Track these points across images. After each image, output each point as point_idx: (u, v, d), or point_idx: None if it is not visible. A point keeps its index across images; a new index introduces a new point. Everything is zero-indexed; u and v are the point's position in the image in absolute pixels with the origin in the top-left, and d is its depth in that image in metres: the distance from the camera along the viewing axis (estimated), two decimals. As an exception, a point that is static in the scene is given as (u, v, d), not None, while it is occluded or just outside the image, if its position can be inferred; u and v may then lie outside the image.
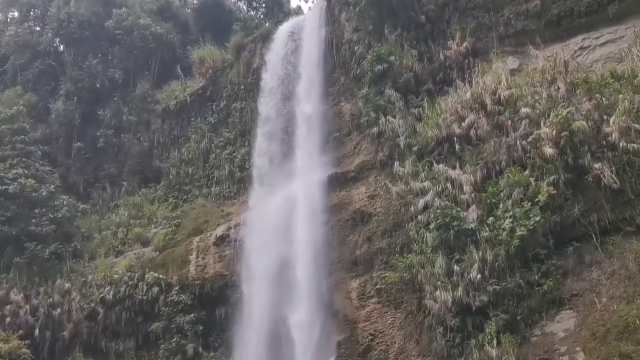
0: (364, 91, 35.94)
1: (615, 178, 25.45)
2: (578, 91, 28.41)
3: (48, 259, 40.19)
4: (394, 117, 33.93)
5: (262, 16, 60.15)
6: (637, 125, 25.90)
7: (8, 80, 55.25)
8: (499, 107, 30.42)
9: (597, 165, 25.84)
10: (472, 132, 30.74)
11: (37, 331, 37.35)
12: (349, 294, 33.34)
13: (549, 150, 26.96)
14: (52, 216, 41.39)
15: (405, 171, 31.99)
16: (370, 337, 31.81)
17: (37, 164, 44.40)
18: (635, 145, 25.53)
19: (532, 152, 28.10)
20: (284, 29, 43.64)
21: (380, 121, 34.20)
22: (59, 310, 38.16)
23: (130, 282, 38.20)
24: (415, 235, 30.58)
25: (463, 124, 31.14)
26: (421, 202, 30.55)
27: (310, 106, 38.57)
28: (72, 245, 41.71)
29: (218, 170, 43.58)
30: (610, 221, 25.99)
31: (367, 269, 33.09)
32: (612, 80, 28.09)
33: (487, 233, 27.65)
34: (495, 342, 25.97)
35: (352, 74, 38.54)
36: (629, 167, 25.62)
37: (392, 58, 35.24)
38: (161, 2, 56.44)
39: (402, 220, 32.14)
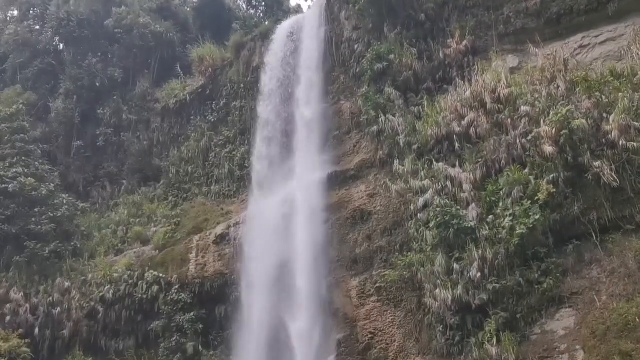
0: (364, 90, 35.90)
1: (615, 176, 25.46)
2: (578, 89, 28.39)
3: (48, 258, 40.23)
4: (394, 115, 33.91)
5: (261, 15, 60.21)
6: (636, 124, 25.92)
7: (8, 79, 55.30)
8: (499, 105, 30.44)
9: (596, 164, 25.85)
10: (472, 130, 30.75)
11: (37, 330, 37.43)
12: (348, 293, 33.35)
13: (548, 149, 26.97)
14: (52, 215, 41.44)
15: (405, 170, 31.99)
16: (370, 336, 31.83)
17: (36, 163, 44.45)
18: (634, 144, 25.55)
19: (531, 150, 28.11)
20: (283, 28, 43.58)
21: (380, 120, 34.18)
22: (58, 309, 38.21)
23: (130, 281, 38.24)
24: (415, 234, 30.59)
25: (463, 123, 31.15)
26: (421, 201, 30.56)
27: (309, 108, 38.44)
28: (72, 244, 41.74)
29: (218, 169, 43.56)
30: (610, 219, 26.02)
31: (367, 268, 33.10)
32: (612, 78, 28.11)
33: (486, 231, 27.66)
34: (495, 340, 25.99)
35: (352, 72, 38.50)
36: (629, 165, 25.63)
37: (391, 56, 35.24)
38: (161, 0, 56.31)
39: (402, 218, 32.16)
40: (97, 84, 51.37)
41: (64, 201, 43.33)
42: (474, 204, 28.87)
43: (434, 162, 31.33)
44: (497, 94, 30.70)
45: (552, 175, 26.80)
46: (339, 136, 37.86)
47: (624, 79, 27.91)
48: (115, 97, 50.37)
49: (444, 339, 28.15)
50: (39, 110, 51.70)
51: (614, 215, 25.93)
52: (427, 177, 31.10)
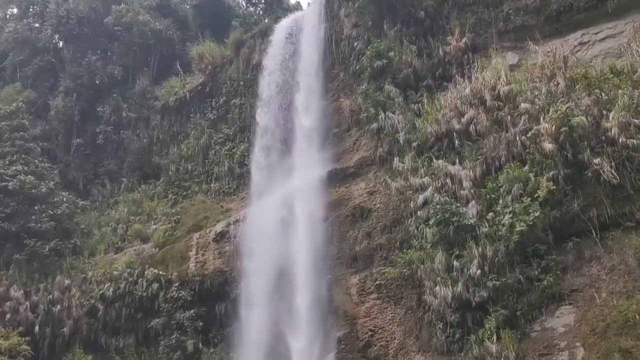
0: (364, 87, 35.92)
1: (614, 173, 25.49)
2: (577, 86, 28.41)
3: (48, 256, 40.24)
4: (394, 112, 33.91)
5: (261, 12, 60.09)
6: (636, 121, 25.92)
7: (7, 76, 55.39)
8: (499, 102, 30.44)
9: (596, 161, 25.86)
10: (472, 127, 30.77)
11: (37, 328, 37.45)
12: (348, 290, 33.36)
13: (548, 146, 26.97)
14: (51, 213, 41.45)
15: (405, 167, 31.98)
16: (370, 333, 31.84)
17: (36, 161, 44.47)
18: (634, 141, 25.57)
19: (531, 147, 28.12)
20: (282, 27, 43.47)
21: (380, 117, 34.19)
22: (58, 306, 38.23)
23: (130, 279, 38.24)
24: (415, 231, 30.60)
25: (462, 120, 31.16)
26: (421, 198, 30.56)
27: (309, 116, 38.39)
28: (72, 241, 41.75)
29: (217, 167, 43.52)
30: (610, 216, 26.05)
31: (366, 265, 33.11)
32: (612, 75, 28.08)
33: (486, 229, 27.67)
34: (495, 337, 26.02)
35: (352, 70, 38.50)
36: (629, 162, 25.65)
37: (391, 54, 35.26)
38: (160, -2, 56.39)
39: (401, 216, 32.18)
40: (97, 82, 51.41)
41: (64, 199, 43.33)
42: (473, 201, 28.89)
43: (434, 160, 31.33)
44: (496, 91, 30.69)
45: (551, 173, 26.83)
46: (339, 134, 37.84)
47: (624, 76, 27.90)
48: (114, 95, 50.39)
49: (444, 336, 28.19)
50: (38, 108, 51.73)
51: (614, 213, 25.97)
52: (427, 174, 31.10)
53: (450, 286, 27.56)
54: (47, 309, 38.08)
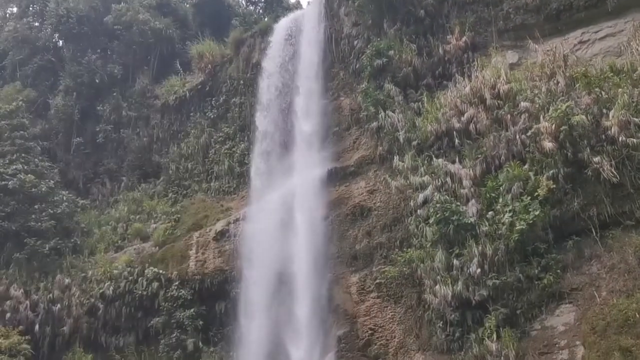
0: (363, 86, 35.92)
1: (614, 172, 25.47)
2: (577, 85, 28.40)
3: (48, 255, 40.25)
4: (394, 111, 33.91)
5: (261, 11, 60.07)
6: (636, 119, 25.91)
7: (7, 75, 55.41)
8: (498, 101, 30.45)
9: (596, 159, 25.85)
10: (472, 126, 30.77)
11: (37, 327, 37.46)
12: (348, 289, 33.35)
13: (548, 145, 26.97)
14: (51, 212, 41.47)
15: (405, 166, 31.97)
16: (370, 332, 31.82)
17: (36, 160, 44.47)
18: (634, 140, 25.55)
19: (531, 146, 28.11)
20: (281, 27, 43.42)
21: (380, 116, 34.17)
22: (59, 305, 38.24)
23: (130, 278, 38.24)
24: (415, 230, 30.60)
25: (462, 119, 31.16)
26: (421, 197, 30.56)
27: (309, 122, 38.28)
28: (72, 240, 41.76)
29: (217, 165, 43.50)
30: (610, 215, 26.03)
31: (366, 264, 33.11)
32: (612, 74, 28.07)
33: (486, 227, 27.67)
34: (495, 336, 26.03)
35: (352, 68, 38.50)
36: (629, 161, 25.63)
37: (391, 52, 35.26)
38: (160, -3, 56.39)
39: (401, 214, 32.18)
40: (97, 81, 51.43)
41: (64, 198, 43.35)
42: (473, 200, 28.90)
43: (434, 158, 31.34)
44: (496, 90, 30.70)
45: (551, 171, 26.83)
46: (339, 132, 37.83)
47: (624, 75, 27.89)
48: (114, 94, 50.38)
49: (444, 335, 28.18)
50: (38, 107, 51.75)
51: (614, 211, 25.95)
52: (427, 173, 31.10)
53: (450, 285, 27.56)
54: (47, 307, 38.10)
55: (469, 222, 28.10)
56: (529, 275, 26.48)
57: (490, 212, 28.02)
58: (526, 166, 27.94)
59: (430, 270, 28.67)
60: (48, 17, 54.58)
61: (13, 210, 40.79)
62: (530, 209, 26.50)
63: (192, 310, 36.62)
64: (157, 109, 49.48)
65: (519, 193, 27.39)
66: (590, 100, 27.27)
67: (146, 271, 38.17)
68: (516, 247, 26.73)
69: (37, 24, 57.51)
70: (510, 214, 27.04)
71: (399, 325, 30.98)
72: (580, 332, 24.43)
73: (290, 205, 35.87)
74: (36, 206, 41.31)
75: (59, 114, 50.78)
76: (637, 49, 28.48)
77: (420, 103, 33.82)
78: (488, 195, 28.49)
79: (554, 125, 26.86)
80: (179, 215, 41.79)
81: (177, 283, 37.43)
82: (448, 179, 30.22)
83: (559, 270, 26.22)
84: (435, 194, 29.83)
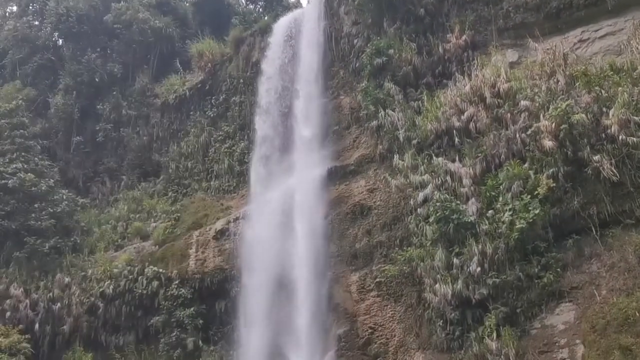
0: (363, 84, 35.89)
1: (614, 171, 25.45)
2: (577, 84, 28.38)
3: (48, 254, 40.20)
4: (393, 110, 33.90)
5: (261, 10, 59.97)
6: (636, 118, 25.89)
7: (7, 74, 55.30)
8: (498, 100, 30.44)
9: (596, 158, 25.84)
10: (472, 125, 30.76)
11: (37, 325, 37.41)
12: (348, 288, 33.34)
13: (548, 143, 26.96)
14: (51, 210, 41.41)
15: (405, 164, 31.96)
16: (370, 331, 31.81)
17: (36, 159, 44.39)
18: (634, 138, 25.52)
19: (531, 145, 28.11)
20: (280, 26, 43.31)
21: (380, 114, 34.15)
22: (59, 304, 38.20)
23: (130, 276, 38.22)
24: (415, 229, 30.60)
25: (462, 117, 31.15)
26: (421, 195, 30.56)
27: (309, 127, 38.09)
28: (72, 239, 41.70)
29: (217, 164, 43.44)
30: (610, 214, 26.02)
31: (366, 263, 33.09)
32: (612, 72, 28.05)
33: (486, 226, 27.68)
34: (495, 335, 26.04)
35: (351, 67, 38.47)
36: (629, 159, 25.61)
37: (391, 51, 35.23)
38: (160, -5, 56.35)
39: (401, 213, 32.17)
40: (97, 80, 51.37)
41: (64, 197, 43.28)
42: (473, 199, 28.90)
43: (434, 157, 31.33)
44: (496, 89, 30.69)
45: (551, 170, 26.81)
46: (339, 131, 37.80)
47: (624, 73, 27.87)
48: (114, 93, 50.32)
49: (444, 334, 28.18)
50: (38, 105, 51.69)
51: (614, 210, 25.92)
52: (427, 171, 31.10)
53: (450, 284, 27.55)
54: (47, 306, 38.05)
55: (469, 220, 28.10)
56: (529, 273, 26.46)
57: (490, 211, 28.03)
58: (526, 165, 27.94)
59: (430, 269, 28.66)
60: (48, 15, 54.51)
61: (13, 209, 40.74)
62: (530, 208, 26.49)
63: (192, 309, 36.59)
64: (157, 107, 49.44)
65: (519, 192, 27.39)
66: (590, 98, 27.26)
67: (146, 270, 38.15)
68: (516, 246, 26.73)
69: (36, 22, 57.36)
70: (510, 213, 27.04)
71: (399, 324, 30.96)
72: (580, 330, 24.44)
73: (290, 204, 35.83)
74: (36, 205, 41.25)
75: (58, 112, 50.73)
76: (637, 48, 28.46)
77: (420, 102, 33.79)
78: (488, 193, 28.49)
79: (554, 124, 26.85)
80: (179, 214, 41.78)
81: (177, 282, 37.41)
82: (448, 178, 30.21)
83: (559, 269, 26.21)
84: (435, 192, 29.82)
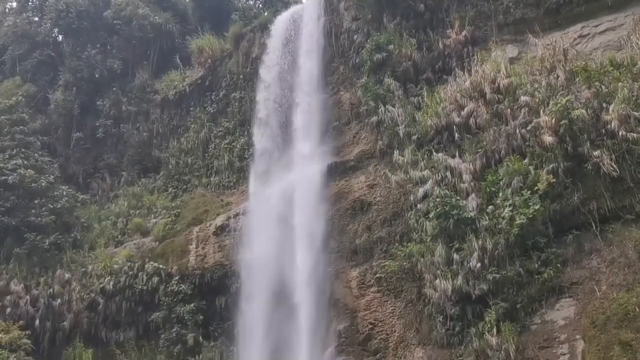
0: (363, 80, 35.87)
1: (614, 166, 25.46)
2: (577, 79, 28.36)
3: (48, 250, 40.24)
4: (393, 106, 33.89)
5: (260, 5, 59.85)
6: (636, 114, 25.88)
7: (7, 70, 55.18)
8: (498, 95, 30.41)
9: (596, 153, 25.83)
10: (472, 120, 30.75)
11: (37, 321, 37.47)
12: (348, 283, 33.35)
13: (548, 139, 26.96)
14: (51, 207, 41.43)
15: (405, 160, 31.97)
16: (370, 326, 31.85)
17: (36, 155, 44.40)
18: (634, 134, 25.54)
19: (531, 140, 28.11)
20: (280, 24, 43.12)
21: (380, 110, 34.16)
22: (59, 300, 38.24)
23: (130, 272, 38.25)
24: (415, 224, 30.61)
25: (462, 113, 31.13)
26: (421, 191, 30.57)
27: (308, 142, 37.91)
28: (72, 235, 41.73)
29: (217, 160, 43.43)
30: (610, 209, 26.03)
31: (366, 258, 33.09)
32: (612, 68, 28.06)
33: (486, 222, 27.69)
34: (495, 330, 26.08)
35: (351, 63, 38.41)
36: (629, 155, 25.62)
37: (391, 47, 35.22)
38: (159, -9, 56.28)
39: (401, 209, 32.17)
40: (96, 76, 51.28)
41: (64, 193, 43.31)
42: (473, 194, 28.90)
43: (434, 153, 31.33)
44: (496, 84, 30.65)
45: (551, 165, 26.82)
46: (339, 127, 37.74)
47: (624, 69, 27.87)
48: (114, 89, 50.24)
49: (444, 329, 28.22)
50: (38, 102, 51.64)
51: (614, 205, 25.94)
52: (427, 167, 31.10)
53: (450, 279, 27.58)
54: (48, 302, 38.09)
55: (469, 216, 28.10)
56: (529, 269, 26.49)
57: (490, 207, 28.04)
58: (526, 160, 27.93)
59: (431, 264, 28.68)
60: (47, 11, 54.38)
61: (13, 205, 40.75)
62: (530, 203, 26.50)
63: (192, 304, 36.63)
64: (156, 103, 49.38)
65: (519, 187, 27.39)
66: (590, 94, 27.24)
67: (146, 266, 38.17)
68: (516, 241, 26.74)
69: (36, 18, 57.29)
70: (510, 208, 27.04)
71: (399, 319, 30.99)
72: (580, 326, 24.46)
73: (290, 200, 35.81)
74: (36, 201, 41.29)
75: (58, 108, 50.68)
76: (637, 43, 28.46)
77: (420, 97, 33.79)
78: (488, 189, 28.50)
79: (554, 120, 26.85)
80: (179, 210, 41.77)
81: (177, 278, 37.42)
82: (448, 174, 30.21)
83: (559, 265, 26.23)
84: (435, 188, 29.81)
